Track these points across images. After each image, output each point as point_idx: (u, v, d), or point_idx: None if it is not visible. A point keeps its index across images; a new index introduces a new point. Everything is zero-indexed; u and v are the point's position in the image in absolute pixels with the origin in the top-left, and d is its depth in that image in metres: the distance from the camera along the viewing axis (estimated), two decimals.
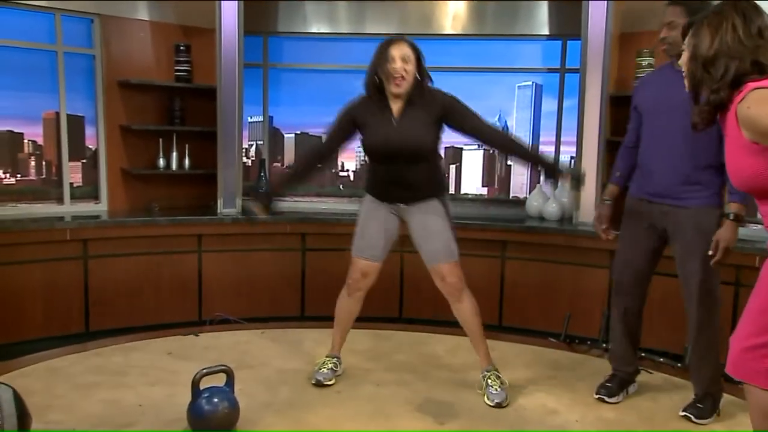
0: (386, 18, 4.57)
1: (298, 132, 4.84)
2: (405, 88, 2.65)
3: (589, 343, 3.59)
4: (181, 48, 4.46)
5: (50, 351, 3.20)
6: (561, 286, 4.06)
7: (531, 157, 2.82)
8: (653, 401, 2.85)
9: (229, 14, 4.20)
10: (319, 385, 2.87)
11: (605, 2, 3.94)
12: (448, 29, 4.58)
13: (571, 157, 4.45)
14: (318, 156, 2.92)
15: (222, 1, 4.18)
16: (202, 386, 2.36)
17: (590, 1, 3.97)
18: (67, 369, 2.98)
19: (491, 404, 2.74)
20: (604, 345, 3.47)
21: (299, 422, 2.53)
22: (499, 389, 2.78)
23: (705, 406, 2.68)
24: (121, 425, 2.44)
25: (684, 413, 2.68)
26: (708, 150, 2.53)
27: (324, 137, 2.88)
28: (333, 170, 4.83)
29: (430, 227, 2.78)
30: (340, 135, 2.81)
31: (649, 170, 2.70)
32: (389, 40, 2.69)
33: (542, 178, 2.75)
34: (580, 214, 4.13)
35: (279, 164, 4.85)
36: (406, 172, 2.71)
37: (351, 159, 4.83)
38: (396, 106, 2.71)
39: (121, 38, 4.34)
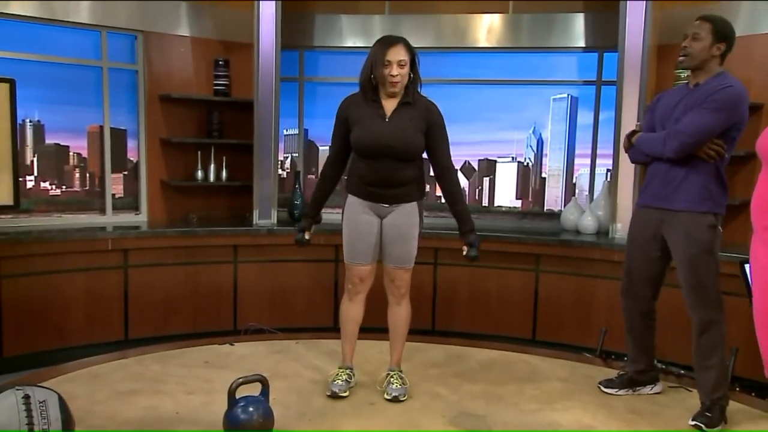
0: (421, 31, 4.59)
1: None
2: (400, 88, 2.77)
3: (626, 359, 3.52)
4: (220, 62, 4.57)
5: (92, 358, 3.28)
6: (597, 300, 4.01)
7: (459, 213, 2.88)
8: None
9: (267, 29, 4.29)
10: (334, 396, 2.87)
11: (643, 13, 3.91)
12: (483, 42, 4.59)
13: (608, 170, 4.41)
14: (337, 166, 2.96)
15: (260, 17, 4.27)
16: (237, 395, 2.39)
17: (627, 13, 3.95)
18: (108, 376, 3.05)
19: (389, 398, 2.84)
20: None
21: None
22: (399, 386, 2.87)
23: (714, 414, 2.67)
24: None
25: (694, 422, 2.67)
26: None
27: (331, 145, 2.94)
28: None
29: (402, 232, 2.85)
30: (344, 138, 2.86)
31: (650, 178, 2.80)
32: (387, 42, 2.74)
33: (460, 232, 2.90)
34: (617, 227, 4.08)
35: (313, 176, 4.90)
36: (392, 171, 2.78)
37: None
38: (388, 105, 2.79)
39: (163, 54, 4.47)
